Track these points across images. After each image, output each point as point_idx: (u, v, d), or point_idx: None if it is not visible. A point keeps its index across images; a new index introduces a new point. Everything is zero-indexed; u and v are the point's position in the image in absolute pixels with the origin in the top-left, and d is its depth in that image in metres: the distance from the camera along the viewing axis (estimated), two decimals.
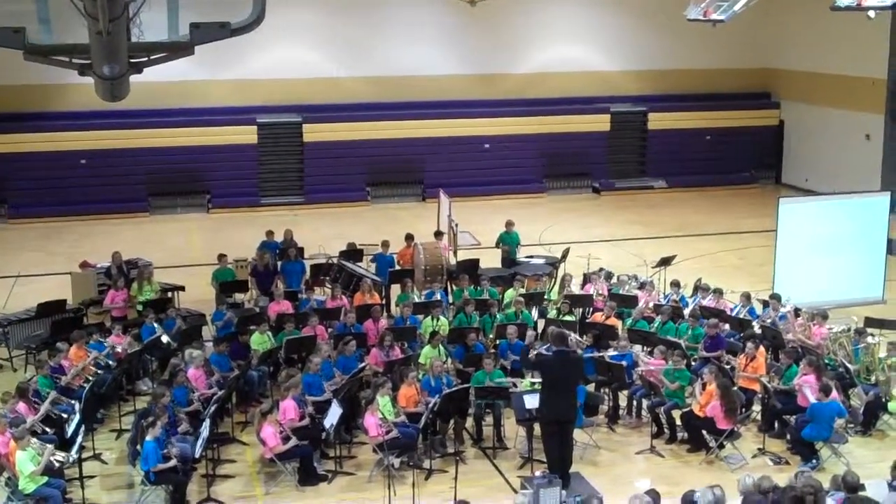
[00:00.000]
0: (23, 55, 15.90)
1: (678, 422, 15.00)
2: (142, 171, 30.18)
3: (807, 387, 14.51)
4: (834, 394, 14.34)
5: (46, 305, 18.74)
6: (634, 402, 15.85)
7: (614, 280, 20.07)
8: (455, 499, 11.81)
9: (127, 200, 30.00)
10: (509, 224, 22.55)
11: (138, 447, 13.39)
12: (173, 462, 12.96)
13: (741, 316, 18.01)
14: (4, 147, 29.13)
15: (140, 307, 18.94)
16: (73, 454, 13.05)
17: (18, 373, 17.50)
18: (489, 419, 15.04)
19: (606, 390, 15.97)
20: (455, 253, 22.37)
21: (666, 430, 15.10)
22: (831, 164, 31.23)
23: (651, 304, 18.55)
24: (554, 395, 13.23)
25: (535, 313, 18.65)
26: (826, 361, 16.07)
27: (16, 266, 23.78)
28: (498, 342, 17.10)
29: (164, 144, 30.22)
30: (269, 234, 22.26)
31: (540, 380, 14.02)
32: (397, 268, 21.10)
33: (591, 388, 15.63)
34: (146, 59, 16.60)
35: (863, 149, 30.21)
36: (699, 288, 19.34)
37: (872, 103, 29.65)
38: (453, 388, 14.79)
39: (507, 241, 22.40)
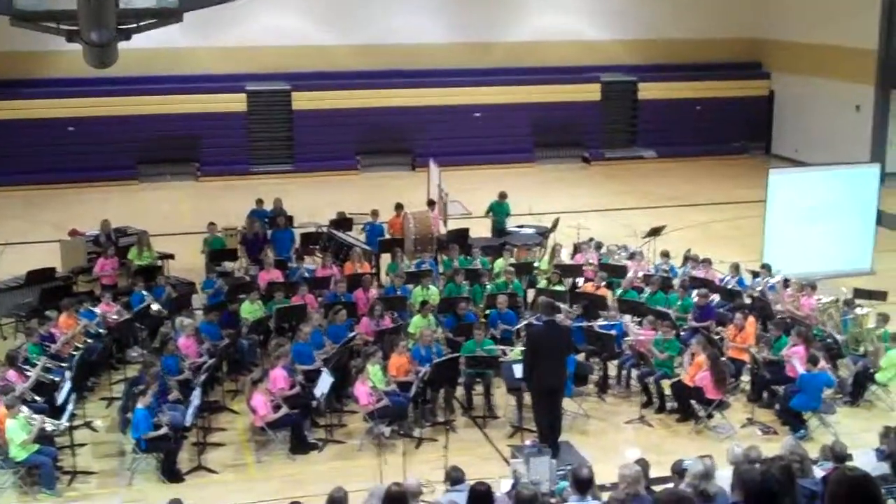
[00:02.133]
0: (9, 21, 15.81)
1: (667, 391, 15.08)
2: (130, 138, 29.99)
3: (795, 357, 14.58)
4: (822, 364, 14.43)
5: (35, 273, 18.68)
6: (624, 372, 15.91)
7: (604, 250, 20.09)
8: (445, 467, 11.84)
9: (116, 168, 29.84)
10: (502, 195, 22.52)
11: (129, 415, 13.43)
12: (164, 430, 13.00)
13: (731, 286, 18.06)
14: None
15: (133, 274, 18.88)
16: (64, 422, 13.06)
17: (8, 341, 17.45)
18: (479, 388, 15.11)
19: (596, 360, 16.03)
20: (445, 222, 22.35)
21: (655, 400, 15.18)
22: (821, 135, 31.24)
23: (641, 274, 18.59)
24: (543, 365, 13.25)
25: (524, 283, 18.67)
26: (815, 332, 16.12)
27: (4, 234, 23.70)
28: (488, 311, 17.11)
29: (153, 112, 30.04)
30: (259, 202, 22.20)
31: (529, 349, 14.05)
32: (387, 237, 21.09)
33: (580, 357, 15.67)
34: (135, 25, 16.53)
35: (853, 120, 30.22)
36: (689, 258, 19.37)
37: (862, 74, 29.65)
38: (443, 358, 14.84)
39: (498, 212, 22.39)
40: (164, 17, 16.61)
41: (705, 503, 8.97)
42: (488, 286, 17.99)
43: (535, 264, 19.74)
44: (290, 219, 21.76)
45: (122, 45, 17.66)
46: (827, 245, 20.80)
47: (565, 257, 19.98)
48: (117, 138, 29.81)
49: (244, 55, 31.03)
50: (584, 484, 9.33)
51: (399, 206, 21.62)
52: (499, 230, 22.12)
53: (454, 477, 10.58)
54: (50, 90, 29.54)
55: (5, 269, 20.25)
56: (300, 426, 13.94)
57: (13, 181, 29.02)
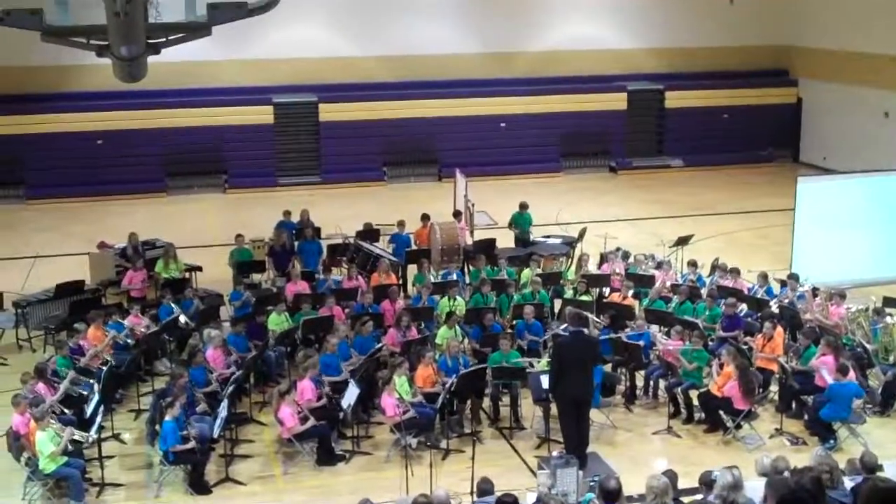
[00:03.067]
0: (40, 37, 15.96)
1: (695, 402, 15.00)
2: (159, 151, 30.20)
3: (824, 368, 14.47)
4: (852, 374, 14.31)
5: (64, 286, 18.83)
6: (651, 383, 15.84)
7: (631, 260, 20.00)
8: (472, 479, 11.83)
9: (144, 181, 30.03)
10: (523, 206, 22.48)
11: (157, 427, 13.49)
12: (192, 443, 13.06)
13: (759, 296, 17.93)
14: (22, 128, 29.20)
15: (160, 286, 18.99)
16: (93, 434, 13.14)
17: (37, 353, 17.59)
18: (506, 399, 15.07)
19: (623, 370, 15.98)
20: (472, 233, 22.35)
21: (683, 411, 15.10)
22: (850, 142, 31.00)
23: (668, 284, 18.49)
24: (570, 376, 13.22)
25: (551, 293, 18.62)
26: (844, 341, 16.00)
27: (34, 247, 23.93)
28: (515, 322, 17.09)
29: (180, 125, 30.24)
30: (287, 213, 22.28)
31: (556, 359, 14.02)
32: (414, 248, 21.10)
33: (608, 368, 15.62)
34: (164, 39, 16.65)
35: (882, 126, 29.99)
36: (716, 267, 19.27)
37: (891, 80, 29.44)
38: (470, 369, 14.82)
39: (519, 223, 22.36)
40: (193, 31, 16.72)
41: None
42: (515, 297, 17.95)
43: (562, 274, 19.71)
44: (317, 230, 21.82)
45: (150, 58, 17.78)
46: (856, 253, 20.65)
47: (592, 267, 19.93)
48: (145, 151, 30.03)
49: (271, 67, 31.18)
50: (611, 495, 9.29)
51: (425, 217, 21.64)
52: (522, 241, 22.08)
53: (483, 489, 10.56)
54: (79, 104, 29.78)
55: (35, 282, 20.40)
56: (327, 438, 13.96)
57: (44, 194, 29.28)
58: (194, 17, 16.66)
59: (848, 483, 10.04)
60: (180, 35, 16.79)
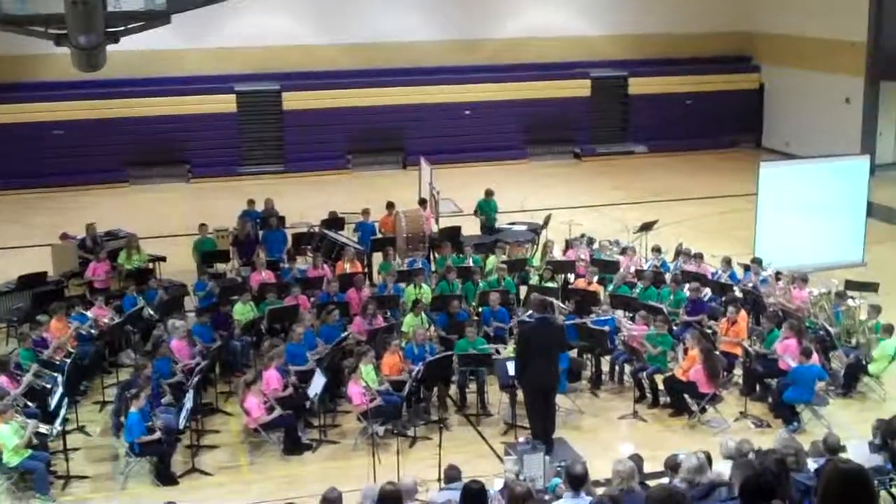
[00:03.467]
0: None
1: (660, 386, 15.09)
2: (120, 141, 29.87)
3: (787, 353, 14.59)
4: (815, 357, 14.45)
5: (27, 278, 18.66)
6: (617, 368, 15.93)
7: (596, 246, 20.09)
8: (440, 466, 11.84)
9: (106, 171, 29.74)
10: (488, 192, 22.51)
11: (122, 419, 13.42)
12: (157, 433, 12.98)
13: (722, 280, 18.07)
14: None
15: (124, 277, 18.85)
16: (57, 427, 13.04)
17: (0, 346, 17.41)
18: (472, 386, 15.10)
19: (589, 356, 16.05)
20: (437, 220, 22.33)
21: (648, 395, 15.20)
22: (812, 128, 31.27)
23: (633, 270, 18.60)
24: (536, 363, 13.26)
25: (517, 280, 18.66)
26: (807, 324, 16.16)
27: None
28: (481, 309, 17.11)
29: (142, 114, 29.95)
30: (251, 202, 22.16)
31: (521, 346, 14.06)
32: (379, 236, 21.06)
33: (573, 353, 15.67)
34: (123, 28, 16.48)
35: (843, 112, 30.28)
36: (680, 252, 19.37)
37: (852, 66, 29.72)
38: (436, 356, 14.83)
39: (485, 209, 22.38)
40: (152, 19, 16.57)
41: (703, 497, 8.97)
42: (480, 284, 17.97)
43: (528, 261, 19.74)
44: (281, 219, 21.72)
45: (110, 47, 17.61)
46: (818, 237, 20.83)
47: (557, 253, 19.99)
48: (106, 141, 29.70)
49: (233, 56, 30.96)
50: (578, 480, 9.31)
51: (390, 205, 21.60)
52: (489, 228, 22.10)
53: (450, 475, 10.59)
54: (38, 94, 29.44)
55: None
56: (294, 427, 13.92)
57: (3, 185, 28.84)
58: (153, 5, 16.51)
59: (812, 465, 10.14)
60: (139, 23, 16.64)
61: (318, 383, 13.88)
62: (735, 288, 17.68)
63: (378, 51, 31.84)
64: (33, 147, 29.15)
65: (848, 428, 13.76)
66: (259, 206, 22.07)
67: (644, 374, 15.19)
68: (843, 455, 10.63)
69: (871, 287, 17.98)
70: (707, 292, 17.54)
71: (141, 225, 22.56)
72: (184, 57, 30.46)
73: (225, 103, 30.82)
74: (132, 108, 29.90)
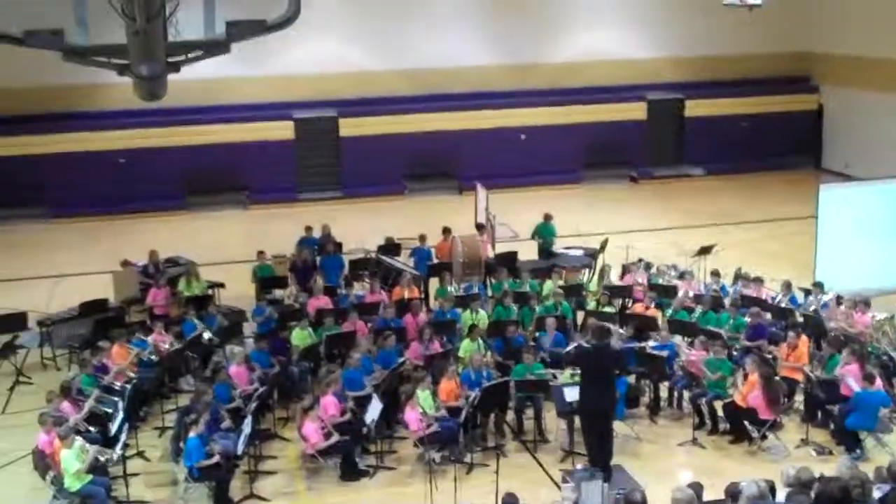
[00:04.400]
0: (62, 57, 16.06)
1: (720, 413, 14.91)
2: (180, 168, 30.29)
3: (850, 376, 14.36)
4: (878, 382, 14.20)
5: (89, 304, 18.95)
6: (676, 394, 15.77)
7: (653, 270, 19.95)
8: (497, 493, 11.80)
9: (166, 198, 30.20)
10: (547, 217, 22.48)
11: (181, 444, 13.54)
12: (216, 459, 13.08)
13: (782, 304, 17.85)
14: (45, 147, 29.38)
15: (183, 304, 19.06)
16: (117, 452, 13.18)
17: (62, 372, 17.65)
18: (529, 412, 15.03)
19: (647, 381, 15.91)
20: (493, 245, 22.33)
21: (707, 422, 15.01)
22: (871, 149, 30.81)
23: (691, 294, 18.44)
24: (593, 388, 13.19)
25: (573, 305, 18.57)
26: (869, 349, 15.90)
27: (58, 266, 24.06)
28: (537, 334, 17.05)
29: (201, 142, 30.32)
30: (308, 229, 22.33)
31: (579, 372, 13.99)
32: (435, 261, 21.11)
33: (631, 379, 15.56)
34: (183, 58, 16.70)
35: None
36: (739, 276, 19.20)
37: None
38: (493, 382, 14.79)
39: (544, 233, 22.34)
40: (212, 48, 16.76)
41: None
42: (537, 309, 17.92)
43: (584, 286, 19.67)
44: (338, 245, 21.86)
45: (171, 76, 17.86)
46: (880, 261, 20.51)
47: (614, 278, 19.90)
48: (167, 169, 30.11)
49: (291, 83, 31.27)
50: None
51: (446, 230, 21.65)
52: (546, 252, 22.06)
53: (508, 503, 10.54)
54: (101, 122, 29.98)
55: (59, 300, 20.53)
56: (351, 453, 13.95)
57: (67, 213, 29.47)
58: (213, 34, 16.71)
59: (876, 493, 9.96)
60: (200, 53, 16.84)
61: (374, 409, 13.91)
62: (796, 312, 17.45)
63: (433, 76, 32.00)
64: (96, 175, 29.64)
65: None
66: (317, 233, 22.22)
67: (703, 399, 15.02)
68: None
69: None
70: (767, 317, 17.33)
71: (200, 251, 22.80)
72: (242, 85, 30.83)
73: (283, 130, 31.14)
74: (192, 136, 30.30)
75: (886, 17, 29.66)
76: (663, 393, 15.89)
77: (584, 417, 13.53)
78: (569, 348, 16.33)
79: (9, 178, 29.02)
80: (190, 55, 16.97)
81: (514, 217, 24.94)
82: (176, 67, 16.89)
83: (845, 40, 32.46)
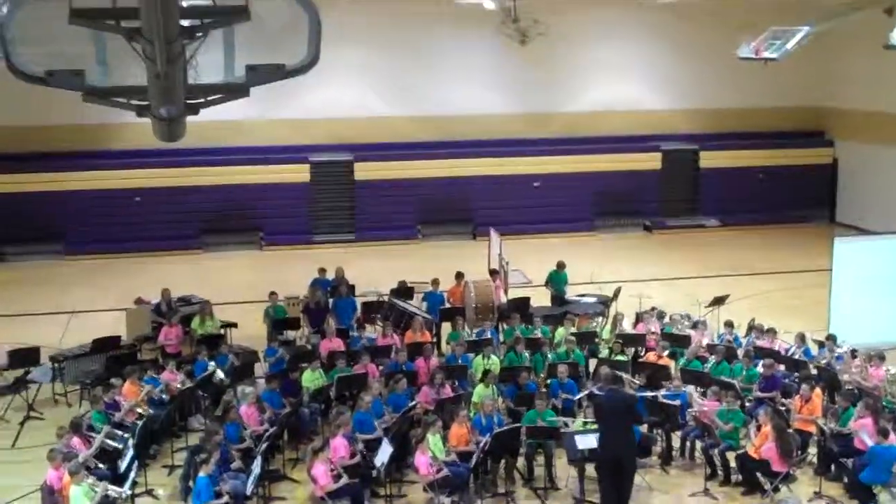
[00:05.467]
0: (82, 97, 16.21)
1: (732, 464, 14.80)
2: (195, 208, 30.53)
3: (864, 430, 14.26)
4: (892, 437, 14.09)
5: (101, 341, 18.98)
6: (688, 444, 15.68)
7: (667, 319, 19.91)
8: None
9: (180, 237, 30.36)
10: (560, 265, 22.52)
11: (191, 483, 13.49)
12: (225, 499, 13.03)
13: (796, 356, 17.77)
14: (62, 185, 29.68)
15: (196, 342, 19.09)
16: (127, 489, 13.13)
17: (73, 408, 17.69)
18: (540, 459, 14.94)
19: (659, 431, 15.82)
20: (506, 291, 22.33)
21: (720, 472, 14.90)
22: (886, 203, 30.81)
23: (704, 344, 18.38)
24: (609, 435, 13.14)
25: (586, 352, 18.53)
26: (884, 404, 15.80)
27: (71, 302, 24.12)
28: (549, 381, 17.00)
29: (218, 183, 30.60)
30: (322, 271, 22.37)
31: (593, 420, 13.95)
32: (448, 306, 21.11)
33: (643, 428, 15.48)
34: (203, 100, 16.83)
35: None
36: (753, 328, 19.14)
37: None
38: (505, 428, 14.73)
39: (556, 281, 22.35)
40: (232, 92, 16.89)
41: None
42: (549, 355, 17.89)
43: (597, 333, 19.63)
44: (351, 288, 21.89)
45: (189, 118, 18.01)
46: (894, 314, 20.41)
47: (627, 326, 19.83)
48: (183, 208, 30.38)
49: (307, 127, 31.54)
50: None
51: (459, 275, 21.68)
52: (559, 300, 22.05)
53: None
54: (119, 161, 30.25)
55: (72, 336, 20.56)
56: (360, 496, 13.88)
57: (82, 250, 29.65)
58: (233, 78, 16.84)
59: None
60: (219, 96, 16.98)
61: (384, 452, 13.85)
62: (809, 365, 17.38)
63: (449, 122, 32.23)
64: (112, 213, 29.92)
65: None
66: (330, 275, 22.27)
67: (716, 450, 14.92)
68: None
69: None
70: (781, 369, 17.25)
71: (213, 291, 22.85)
72: (260, 127, 31.08)
73: (298, 173, 31.34)
74: (208, 177, 30.56)
75: None
76: (675, 443, 15.80)
77: (599, 465, 13.44)
78: (579, 396, 16.30)
79: (25, 214, 29.35)
80: (209, 98, 17.11)
81: (527, 263, 24.97)
82: (195, 109, 17.02)
83: (859, 95, 32.57)
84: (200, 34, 13.82)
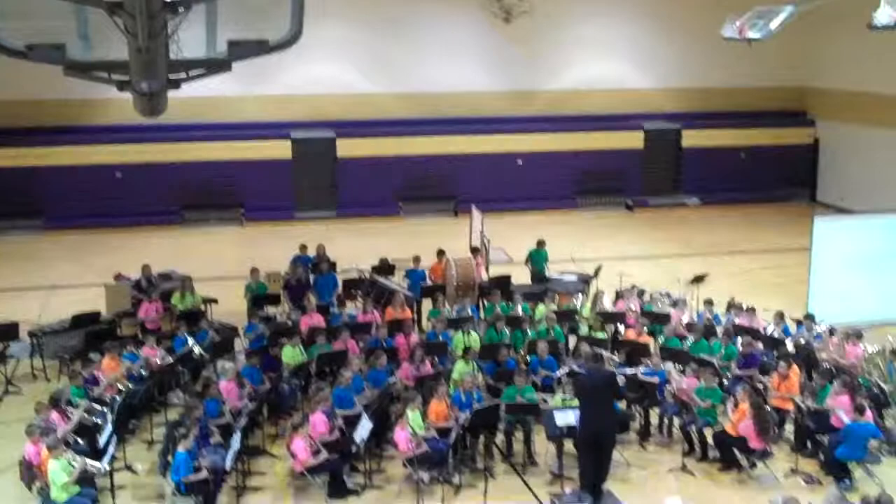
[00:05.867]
0: (63, 70, 16.11)
1: (710, 440, 14.89)
2: (176, 184, 30.42)
3: (840, 408, 14.38)
4: (868, 414, 14.21)
5: (80, 317, 18.91)
6: (666, 420, 15.76)
7: (647, 297, 19.99)
8: None
9: (161, 213, 30.28)
10: (540, 243, 22.54)
11: (169, 458, 13.50)
12: (204, 474, 13.04)
13: (775, 335, 17.88)
14: (42, 160, 29.52)
15: (177, 318, 19.07)
16: (105, 464, 13.13)
17: (52, 383, 17.63)
18: (519, 435, 15.01)
19: (638, 408, 15.90)
20: (487, 269, 22.36)
21: (697, 449, 14.99)
22: (866, 183, 30.98)
23: (684, 322, 18.46)
24: (590, 411, 13.20)
25: (566, 329, 18.59)
26: (860, 381, 15.91)
27: (51, 277, 24.04)
28: (529, 358, 17.06)
29: (199, 158, 30.48)
30: (303, 248, 22.34)
31: (573, 397, 14.00)
32: (429, 283, 21.13)
33: (622, 405, 15.55)
34: (184, 75, 16.75)
35: None
36: (732, 306, 19.23)
37: None
38: (484, 404, 14.78)
39: (536, 259, 22.38)
40: (214, 67, 16.81)
41: None
42: (529, 332, 17.94)
43: (577, 311, 19.69)
44: (332, 264, 21.87)
45: (171, 93, 17.93)
46: (872, 293, 20.57)
47: (607, 304, 19.89)
48: (163, 184, 30.27)
49: (290, 103, 31.43)
50: None
51: (441, 253, 21.69)
52: (538, 278, 22.09)
53: None
54: (99, 137, 30.09)
55: (51, 312, 20.51)
56: (340, 471, 13.92)
57: (62, 225, 29.52)
58: (215, 53, 16.76)
59: None
60: (201, 71, 16.89)
61: (364, 428, 13.89)
62: (787, 342, 17.48)
63: (431, 100, 32.16)
64: (93, 188, 29.79)
65: None
66: (311, 252, 22.24)
67: (693, 427, 15.01)
68: None
69: None
70: (759, 346, 17.35)
71: (194, 267, 22.78)
72: (242, 103, 30.98)
73: (280, 150, 31.23)
74: (190, 153, 30.44)
75: (881, 54, 29.81)
76: (653, 419, 15.89)
77: (580, 441, 13.49)
78: (559, 373, 16.35)
79: (5, 189, 29.19)
80: (191, 73, 17.03)
81: (509, 241, 25.00)
82: (176, 85, 16.95)
83: (841, 76, 32.68)
84: (183, 9, 13.73)
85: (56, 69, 16.14)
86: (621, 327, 18.93)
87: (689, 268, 23.34)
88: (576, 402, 14.01)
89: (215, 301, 20.78)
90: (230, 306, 20.76)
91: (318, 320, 18.52)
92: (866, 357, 16.87)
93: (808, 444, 14.97)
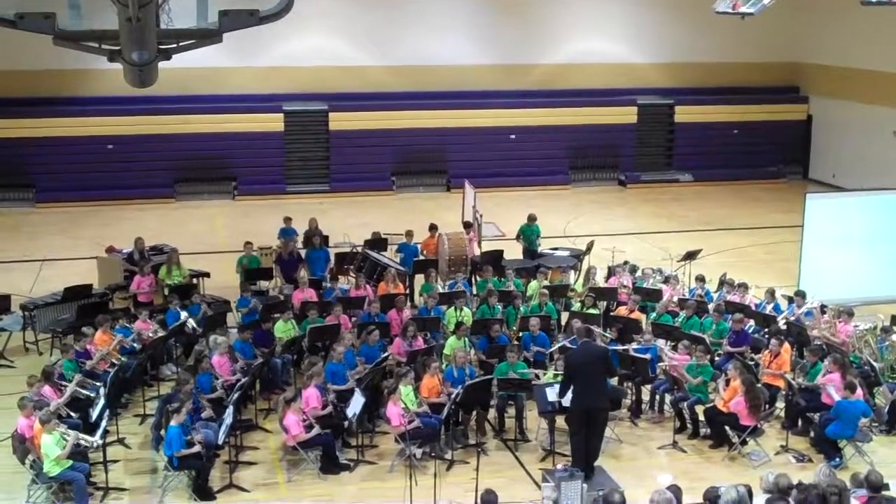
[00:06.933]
0: (52, 40, 16.01)
1: (701, 417, 14.94)
2: (168, 157, 30.31)
3: (831, 385, 14.42)
4: (859, 392, 14.26)
5: (72, 290, 18.86)
6: (657, 397, 15.79)
7: (639, 273, 19.98)
8: (476, 490, 11.82)
9: (153, 186, 30.20)
10: (531, 218, 22.48)
11: (162, 432, 13.51)
12: (196, 448, 13.04)
13: (766, 312, 17.91)
14: (33, 131, 29.37)
15: (166, 292, 19.03)
16: (98, 438, 13.13)
17: (44, 356, 17.62)
18: (511, 411, 15.04)
19: (629, 384, 15.93)
20: (480, 244, 22.34)
21: (689, 426, 15.04)
22: (859, 160, 31.00)
23: (675, 299, 18.48)
24: (581, 386, 13.21)
25: (558, 305, 18.61)
26: (851, 359, 15.97)
27: (42, 250, 23.98)
28: (521, 334, 17.07)
29: (190, 131, 30.32)
30: (287, 220, 22.29)
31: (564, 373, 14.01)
32: (421, 258, 21.12)
33: (614, 381, 15.58)
34: (175, 45, 16.67)
35: (891, 145, 29.95)
36: (724, 283, 19.24)
37: None
38: (476, 380, 14.80)
39: (527, 234, 22.36)
40: (204, 37, 16.72)
41: None
42: (522, 308, 17.94)
43: (570, 287, 19.69)
44: (325, 238, 21.83)
45: (161, 64, 17.84)
46: (864, 271, 20.57)
47: (600, 280, 19.91)
48: (155, 157, 30.16)
49: (282, 75, 31.28)
50: None
51: (433, 227, 21.66)
52: (530, 253, 22.09)
53: (487, 500, 10.59)
54: (90, 108, 29.95)
55: (43, 285, 20.47)
56: (332, 446, 13.94)
57: (53, 198, 29.41)
58: (206, 23, 16.67)
59: (853, 501, 10.01)
60: (191, 41, 16.81)
61: (357, 403, 13.90)
62: (779, 320, 17.52)
63: (425, 73, 32.03)
64: (85, 160, 29.71)
65: (891, 465, 13.58)
66: (303, 226, 22.18)
67: (685, 404, 15.05)
68: (885, 493, 10.51)
69: None
70: (750, 323, 17.39)
71: (186, 240, 22.76)
72: (233, 75, 30.84)
73: (272, 122, 31.12)
74: (181, 125, 30.27)
75: (876, 30, 29.77)
76: (645, 396, 15.93)
77: (571, 417, 13.52)
78: (551, 349, 16.37)
79: None
80: (181, 43, 16.94)
81: (501, 216, 24.99)
82: (167, 55, 16.86)
83: (835, 52, 32.61)
84: None
85: (46, 39, 16.04)
86: (613, 303, 18.92)
87: (681, 244, 23.38)
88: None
89: (207, 275, 20.75)
90: (222, 280, 20.75)
91: (310, 294, 18.49)
92: (857, 335, 16.92)
93: (799, 422, 15.03)
